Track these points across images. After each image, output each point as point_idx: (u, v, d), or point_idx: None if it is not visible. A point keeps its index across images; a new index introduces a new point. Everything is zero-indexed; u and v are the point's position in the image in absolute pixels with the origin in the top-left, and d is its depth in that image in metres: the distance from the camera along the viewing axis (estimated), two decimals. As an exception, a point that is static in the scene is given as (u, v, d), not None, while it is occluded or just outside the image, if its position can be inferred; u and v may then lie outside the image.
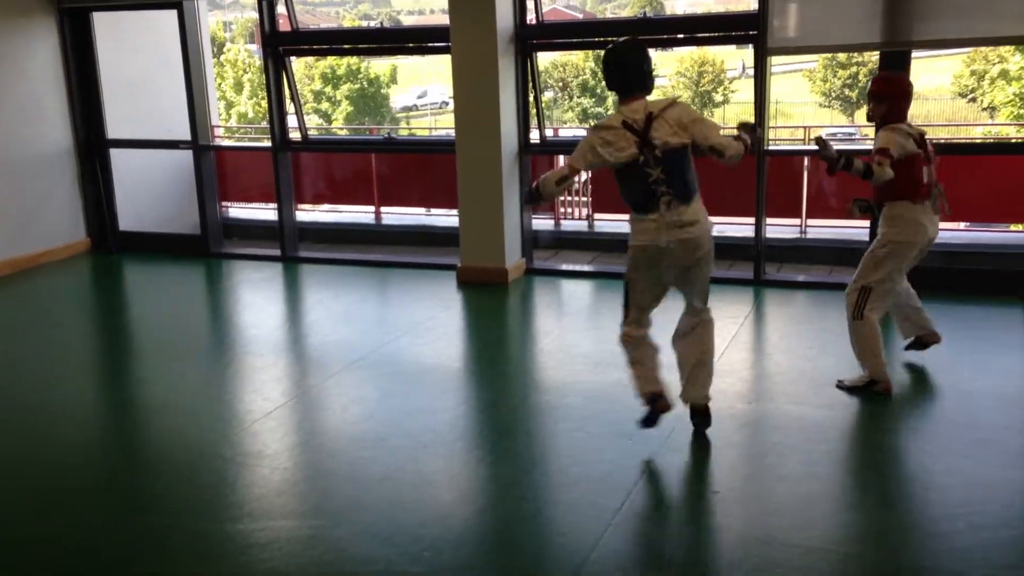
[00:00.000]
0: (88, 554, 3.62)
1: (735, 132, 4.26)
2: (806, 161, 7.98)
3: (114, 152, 8.61)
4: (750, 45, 6.57)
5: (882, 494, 3.89)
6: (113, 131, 8.55)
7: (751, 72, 7.21)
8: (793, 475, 4.03)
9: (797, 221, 8.19)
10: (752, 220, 6.88)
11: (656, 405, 4.34)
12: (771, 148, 6.84)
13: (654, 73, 4.25)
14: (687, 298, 4.43)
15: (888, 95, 4.77)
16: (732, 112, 37.94)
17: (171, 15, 8.06)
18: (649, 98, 4.18)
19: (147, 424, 5.02)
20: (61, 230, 8.38)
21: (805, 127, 22.23)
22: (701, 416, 4.42)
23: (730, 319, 6.03)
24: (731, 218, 7.80)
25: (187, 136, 8.29)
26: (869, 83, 4.93)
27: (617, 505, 3.79)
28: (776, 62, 7.14)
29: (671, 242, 4.14)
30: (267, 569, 3.46)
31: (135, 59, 8.77)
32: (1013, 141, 17.86)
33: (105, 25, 8.43)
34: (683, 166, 4.12)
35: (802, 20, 6.50)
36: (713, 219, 4.35)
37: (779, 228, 8.07)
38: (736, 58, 37.51)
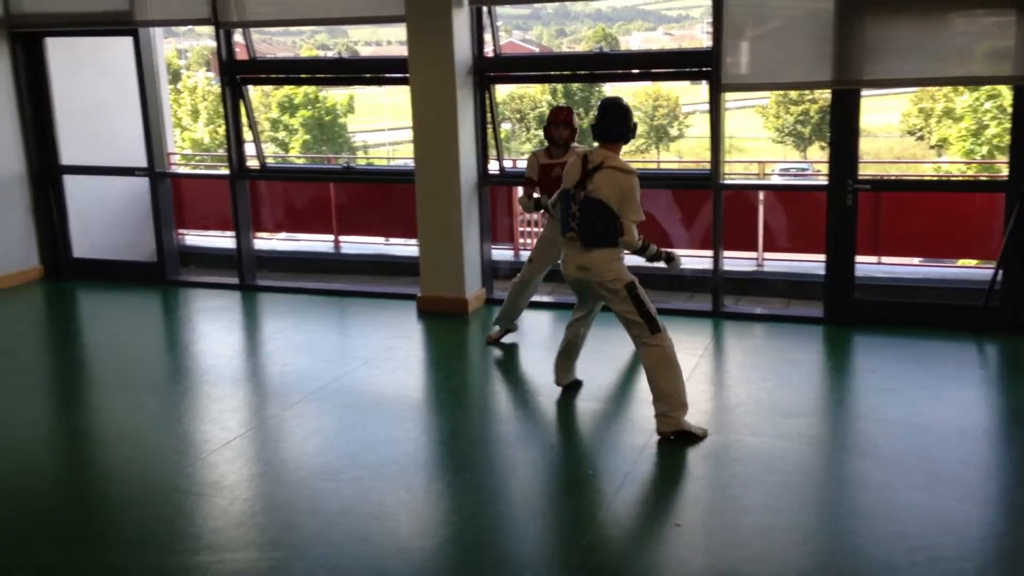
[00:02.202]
0: (38, 591, 3.51)
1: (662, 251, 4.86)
2: (761, 195, 8.12)
3: (68, 178, 8.48)
4: (704, 81, 6.70)
5: (841, 527, 3.93)
6: (67, 157, 8.43)
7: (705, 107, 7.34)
8: (754, 507, 4.06)
9: (754, 254, 8.32)
10: (710, 253, 6.96)
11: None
12: (726, 183, 6.95)
13: (627, 130, 4.89)
14: None
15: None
16: (687, 146, 38.58)
17: (126, 41, 8.00)
18: (619, 154, 4.84)
19: (102, 455, 4.91)
20: (13, 257, 8.20)
21: (760, 161, 22.67)
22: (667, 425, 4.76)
23: (690, 351, 6.08)
24: (690, 251, 7.89)
25: (143, 163, 8.19)
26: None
27: (579, 538, 3.78)
28: (730, 98, 7.28)
29: (569, 274, 4.91)
30: (225, 605, 3.39)
31: (90, 85, 8.66)
32: (960, 179, 18.39)
33: (59, 50, 8.33)
34: (595, 216, 4.69)
35: (755, 58, 6.65)
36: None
37: (737, 261, 8.19)
38: (691, 93, 38.23)
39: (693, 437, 4.67)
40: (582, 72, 8.82)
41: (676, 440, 4.67)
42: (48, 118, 8.32)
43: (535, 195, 6.02)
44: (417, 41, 6.93)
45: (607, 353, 6.20)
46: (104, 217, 8.76)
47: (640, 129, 37.70)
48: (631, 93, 38.20)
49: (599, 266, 4.74)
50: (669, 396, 4.70)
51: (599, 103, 4.94)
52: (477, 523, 3.99)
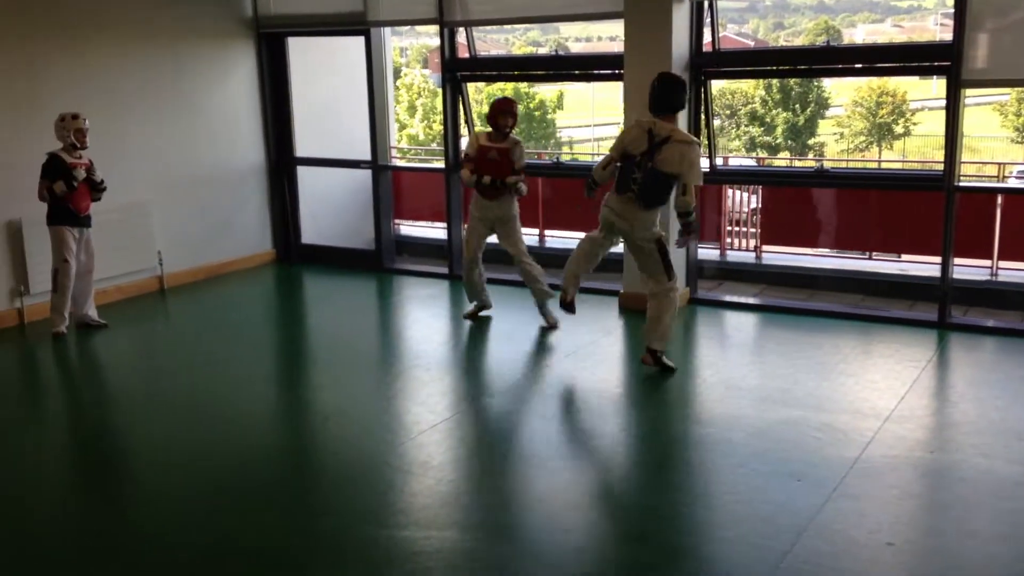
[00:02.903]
0: (260, 555, 3.80)
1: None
2: (999, 199, 7.49)
3: (300, 169, 9.13)
4: (937, 76, 6.25)
5: (1082, 563, 3.57)
6: (301, 150, 9.08)
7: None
8: (981, 532, 3.77)
9: (988, 262, 7.69)
10: (938, 259, 6.50)
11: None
12: (960, 184, 6.46)
13: (685, 100, 5.49)
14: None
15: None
16: (913, 144, 36.14)
17: (357, 41, 8.50)
18: (680, 125, 5.43)
19: (320, 430, 5.26)
20: (250, 241, 8.94)
21: (999, 163, 20.90)
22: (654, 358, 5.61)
23: (911, 362, 5.73)
24: (913, 256, 7.42)
25: (367, 156, 8.68)
26: None
27: (785, 548, 3.65)
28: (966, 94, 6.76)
29: (609, 219, 5.53)
30: (430, 578, 3.54)
31: (323, 82, 9.28)
32: None
33: (298, 50, 8.97)
34: (658, 186, 5.32)
35: (999, 51, 6.13)
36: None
37: (967, 269, 7.60)
38: (918, 89, 35.75)
39: (670, 370, 5.61)
40: (802, 67, 8.49)
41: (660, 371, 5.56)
42: (287, 113, 8.99)
43: (474, 173, 6.48)
44: (634, 36, 6.91)
45: (816, 360, 5.96)
46: (330, 206, 9.37)
47: (860, 126, 35.88)
48: (853, 88, 36.28)
49: (642, 223, 5.43)
50: (665, 334, 5.53)
51: (658, 78, 5.43)
52: (675, 524, 3.95)
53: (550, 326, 6.66)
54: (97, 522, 4.14)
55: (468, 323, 6.94)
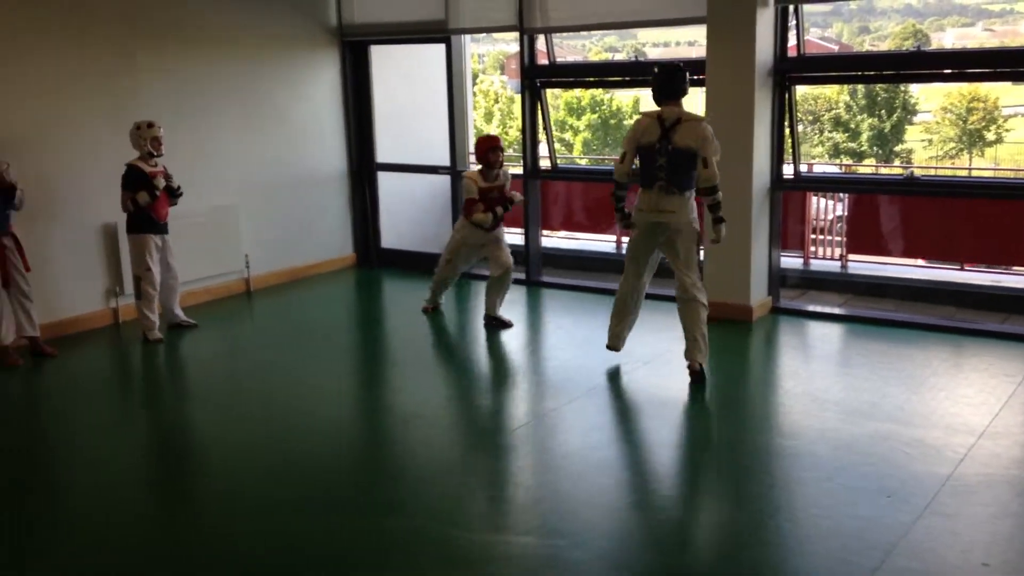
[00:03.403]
0: (336, 554, 3.84)
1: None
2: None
3: (380, 175, 9.26)
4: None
5: None
6: (381, 155, 9.20)
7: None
8: (1082, 557, 3.60)
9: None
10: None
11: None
12: (1061, 192, 6.20)
13: (688, 85, 5.59)
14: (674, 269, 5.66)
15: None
16: (1006, 152, 34.90)
17: (436, 48, 8.58)
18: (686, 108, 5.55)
19: (401, 431, 5.30)
20: (332, 245, 9.11)
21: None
22: (693, 376, 5.63)
23: (1007, 377, 5.52)
24: (1007, 267, 7.15)
25: (445, 162, 8.75)
26: None
27: (874, 565, 3.55)
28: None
29: (647, 221, 5.59)
30: (508, 583, 3.54)
31: (403, 88, 9.40)
32: None
33: (378, 57, 9.11)
34: (684, 163, 5.42)
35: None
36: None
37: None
38: (1012, 95, 34.50)
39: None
40: (888, 72, 8.25)
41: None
42: (368, 119, 9.14)
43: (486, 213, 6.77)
44: (717, 42, 6.82)
45: (905, 373, 5.79)
46: (409, 211, 9.48)
47: (950, 133, 34.77)
48: (942, 94, 35.20)
49: (682, 209, 5.50)
50: (705, 347, 5.61)
51: (660, 67, 5.64)
52: (758, 537, 3.87)
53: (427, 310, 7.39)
54: (172, 521, 4.25)
55: (547, 328, 6.95)
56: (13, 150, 6.37)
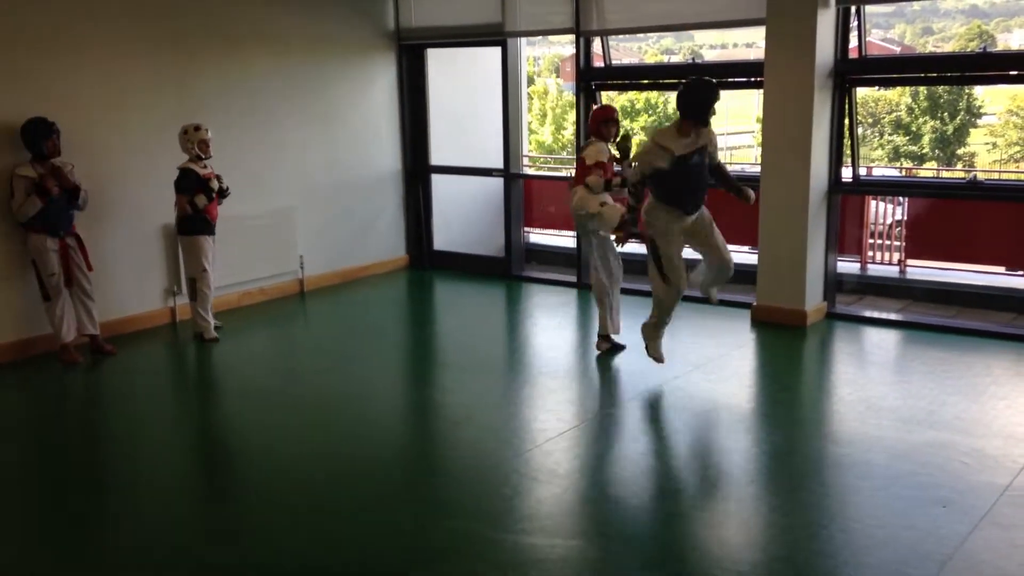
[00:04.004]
0: (384, 553, 3.87)
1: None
2: None
3: (434, 177, 9.33)
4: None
5: None
6: (435, 158, 9.27)
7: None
8: None
9: None
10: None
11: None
12: None
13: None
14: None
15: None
16: (1073, 156, 33.82)
17: (492, 51, 8.62)
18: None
19: (449, 431, 5.35)
20: (386, 246, 9.20)
21: None
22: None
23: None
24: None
25: (499, 164, 8.79)
26: None
27: (927, 574, 3.48)
28: None
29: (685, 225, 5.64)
30: (556, 585, 3.54)
31: (458, 91, 9.46)
32: None
33: (434, 60, 9.18)
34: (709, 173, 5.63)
35: None
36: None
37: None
38: (1081, 96, 33.43)
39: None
40: (951, 74, 8.07)
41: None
42: (423, 121, 9.21)
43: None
44: (776, 43, 6.75)
45: (964, 381, 5.67)
46: (462, 213, 9.54)
47: (1016, 136, 33.78)
48: (1008, 96, 34.24)
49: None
50: None
51: (692, 83, 5.64)
52: (811, 546, 3.82)
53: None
54: (225, 520, 4.33)
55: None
56: (77, 152, 6.56)
